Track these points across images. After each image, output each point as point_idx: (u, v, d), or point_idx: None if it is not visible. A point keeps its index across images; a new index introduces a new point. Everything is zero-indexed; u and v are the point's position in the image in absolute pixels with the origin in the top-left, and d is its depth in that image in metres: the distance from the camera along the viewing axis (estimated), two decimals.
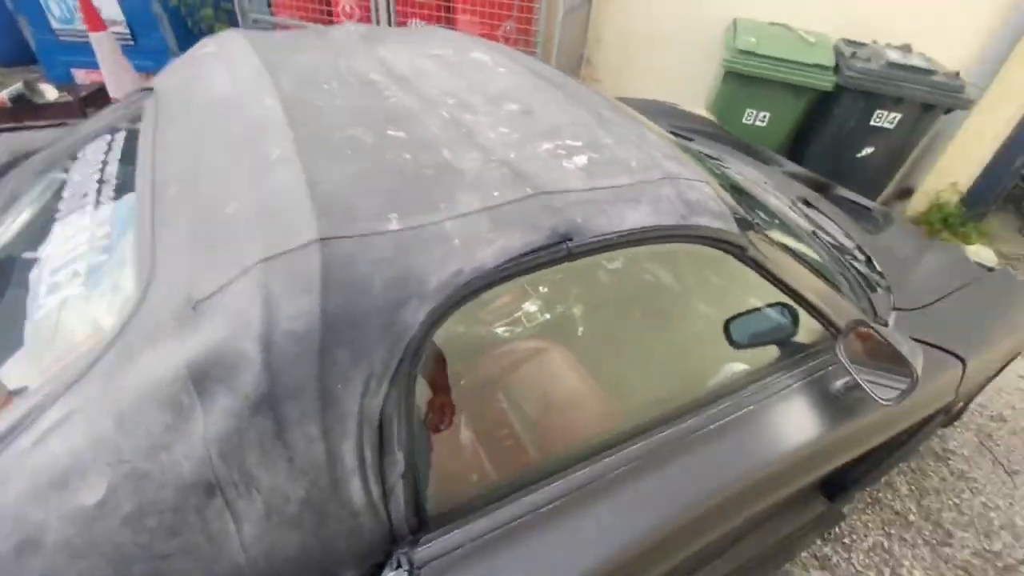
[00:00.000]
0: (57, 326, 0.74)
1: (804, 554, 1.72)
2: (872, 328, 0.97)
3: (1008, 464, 2.12)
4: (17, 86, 3.52)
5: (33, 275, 0.83)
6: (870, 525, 1.83)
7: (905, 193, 3.45)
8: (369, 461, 0.64)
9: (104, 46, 3.15)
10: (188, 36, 3.59)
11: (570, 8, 3.00)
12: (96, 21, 3.07)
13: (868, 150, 2.89)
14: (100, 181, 0.96)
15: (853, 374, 0.99)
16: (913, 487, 1.98)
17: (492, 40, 1.54)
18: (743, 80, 2.86)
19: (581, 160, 0.85)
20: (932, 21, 3.01)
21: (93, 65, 3.78)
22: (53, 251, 0.84)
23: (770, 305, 1.14)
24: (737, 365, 1.17)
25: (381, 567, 0.69)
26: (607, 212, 0.77)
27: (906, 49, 2.85)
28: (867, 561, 1.73)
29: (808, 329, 1.13)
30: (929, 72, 2.65)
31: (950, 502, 1.95)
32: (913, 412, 1.24)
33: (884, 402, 0.95)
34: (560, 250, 0.72)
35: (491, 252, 0.69)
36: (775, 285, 0.98)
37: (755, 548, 1.32)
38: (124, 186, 0.92)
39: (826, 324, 1.07)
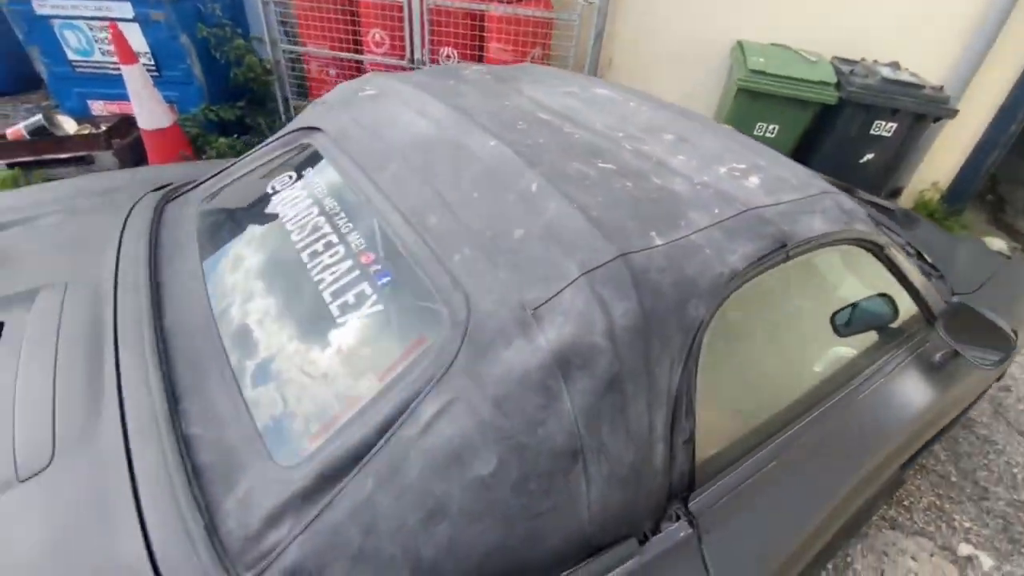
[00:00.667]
0: (364, 337, 0.87)
1: (875, 517, 1.94)
2: (972, 307, 1.19)
3: (1020, 426, 2.42)
4: (37, 118, 3.50)
5: (308, 296, 0.95)
6: (922, 488, 2.08)
7: (895, 193, 3.83)
8: (668, 430, 0.80)
9: (136, 78, 3.17)
10: (215, 67, 3.64)
11: (597, 34, 3.24)
12: (128, 54, 3.10)
13: (868, 156, 3.21)
14: (324, 215, 1.08)
15: (958, 348, 1.20)
16: (949, 453, 2.25)
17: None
18: (755, 96, 3.14)
19: (755, 180, 1.04)
20: (912, 40, 3.39)
21: (110, 96, 3.79)
22: (323, 277, 0.96)
23: (870, 297, 1.35)
24: (845, 350, 1.38)
25: (658, 521, 0.84)
26: (800, 221, 0.96)
27: (895, 66, 3.21)
28: (926, 518, 1.97)
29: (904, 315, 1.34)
30: (919, 86, 3.00)
31: (981, 463, 2.22)
32: (985, 380, 1.48)
33: (988, 367, 1.17)
34: (781, 253, 0.91)
35: (738, 257, 0.86)
36: (896, 276, 1.19)
37: (849, 514, 1.53)
38: (356, 219, 1.04)
39: (924, 308, 1.29)
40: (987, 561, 1.86)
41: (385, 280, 0.92)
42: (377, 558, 0.67)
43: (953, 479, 2.14)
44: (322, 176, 1.18)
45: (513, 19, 3.24)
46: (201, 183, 1.44)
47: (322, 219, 1.08)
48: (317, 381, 0.85)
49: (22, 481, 0.76)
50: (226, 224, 1.24)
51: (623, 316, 0.75)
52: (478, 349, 0.75)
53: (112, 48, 3.42)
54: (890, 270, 1.18)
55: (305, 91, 3.87)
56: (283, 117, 3.89)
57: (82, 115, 3.73)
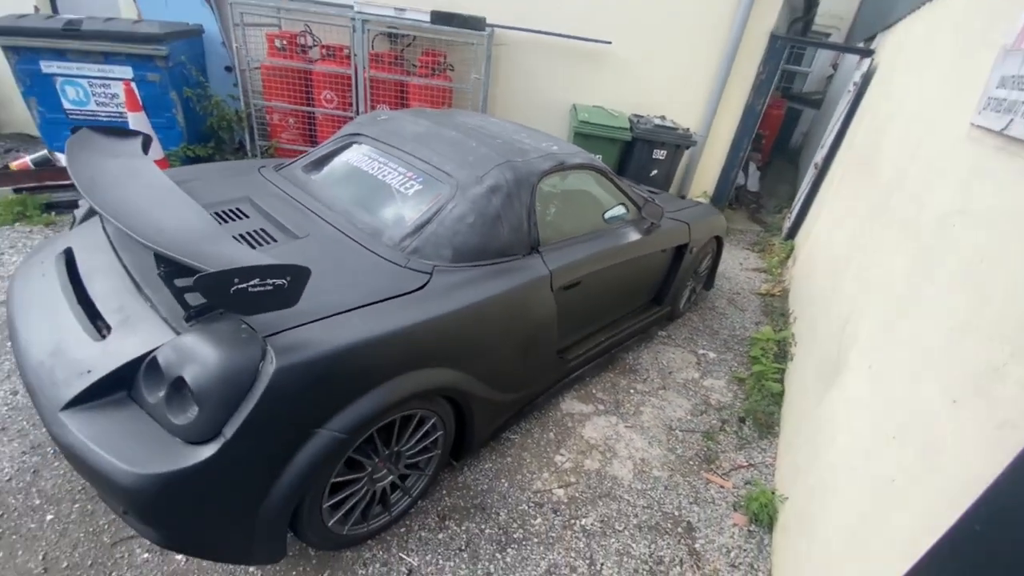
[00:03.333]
0: (418, 197, 2.24)
1: (656, 336, 3.58)
2: (661, 207, 2.87)
3: (738, 305, 4.28)
4: (43, 153, 4.36)
5: (385, 183, 2.30)
6: (681, 331, 3.77)
7: (681, 197, 5.91)
8: (528, 221, 2.27)
9: (139, 121, 4.17)
10: (192, 115, 4.72)
11: (484, 97, 4.94)
12: (135, 104, 4.11)
13: (655, 171, 5.19)
14: (377, 160, 2.44)
15: (645, 216, 2.87)
16: (700, 317, 4.01)
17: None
18: (585, 136, 4.99)
19: (554, 146, 2.61)
20: (674, 102, 5.55)
21: None
22: (391, 180, 2.31)
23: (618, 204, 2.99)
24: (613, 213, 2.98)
25: (533, 249, 2.29)
26: (568, 158, 2.53)
27: (663, 117, 5.29)
28: (683, 341, 3.64)
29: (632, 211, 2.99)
30: (675, 128, 5.06)
31: (716, 321, 4.00)
32: (675, 237, 3.18)
33: (656, 223, 2.84)
34: (560, 164, 2.46)
35: (547, 166, 2.39)
36: (624, 193, 2.84)
37: (619, 334, 3.10)
38: (395, 161, 2.42)
39: (637, 207, 2.94)
40: (712, 355, 3.55)
41: (419, 179, 2.30)
42: (451, 238, 2.03)
43: (700, 328, 3.88)
44: (371, 148, 2.55)
45: (427, 87, 4.83)
46: (295, 161, 2.69)
47: (377, 163, 2.44)
48: (407, 206, 2.20)
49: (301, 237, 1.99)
50: (323, 169, 2.54)
51: (507, 178, 2.21)
52: (463, 190, 2.16)
53: (106, 99, 4.42)
54: (618, 188, 2.82)
55: (267, 134, 5.06)
56: (249, 153, 5.01)
57: None
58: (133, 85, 4.13)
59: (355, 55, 4.66)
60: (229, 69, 5.16)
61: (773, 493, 2.32)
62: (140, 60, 4.25)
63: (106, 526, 1.93)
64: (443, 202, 2.12)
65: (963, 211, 1.63)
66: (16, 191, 4.08)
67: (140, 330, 1.55)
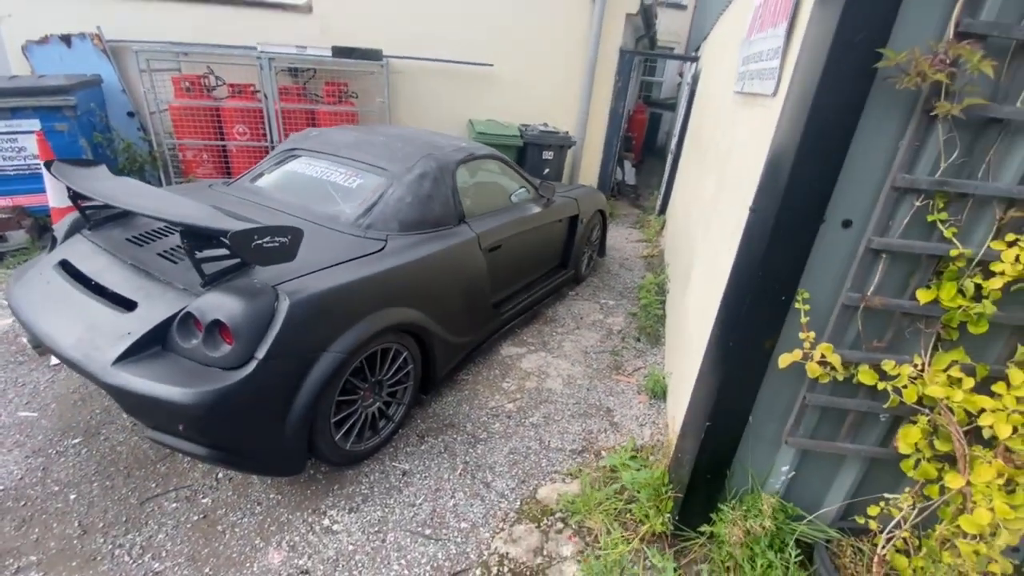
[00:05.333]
0: (360, 186, 2.78)
1: (566, 294, 4.34)
2: (554, 186, 3.64)
3: (627, 268, 5.21)
4: None
5: (329, 181, 2.82)
6: (587, 289, 4.58)
7: None
8: (453, 195, 2.90)
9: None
10: (103, 158, 4.83)
11: (389, 118, 5.53)
12: (48, 153, 4.19)
13: (546, 169, 6.07)
14: (318, 166, 2.95)
15: (542, 194, 3.63)
16: (602, 279, 4.85)
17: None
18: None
19: (462, 143, 3.29)
20: (555, 111, 6.51)
21: (4, 193, 4.59)
22: (333, 179, 2.83)
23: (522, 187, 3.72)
24: (516, 197, 3.70)
25: (460, 221, 2.92)
26: (476, 150, 3.22)
27: (546, 124, 6.21)
28: (589, 295, 4.44)
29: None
30: (557, 132, 5.99)
31: (615, 280, 4.87)
32: (568, 210, 3.99)
33: (551, 198, 3.62)
34: (470, 156, 3.13)
35: (460, 157, 3.04)
36: (521, 176, 3.58)
37: (538, 292, 3.84)
38: (333, 164, 2.94)
39: (534, 188, 3.70)
40: (611, 303, 4.37)
41: (359, 175, 2.85)
42: (395, 214, 2.60)
43: (600, 286, 4.71)
44: (310, 158, 3.05)
45: (335, 113, 5.34)
46: (240, 177, 3.11)
47: (319, 168, 2.96)
48: (353, 196, 2.72)
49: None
50: (270, 179, 2.99)
51: (432, 166, 2.82)
52: (398, 178, 2.74)
53: (12, 153, 4.45)
54: (518, 174, 3.56)
55: (181, 171, 5.25)
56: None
57: None
58: (44, 136, 4.22)
59: (263, 90, 5.06)
60: (132, 114, 5.30)
61: (662, 376, 3.12)
62: (48, 111, 4.35)
63: (129, 493, 2.24)
64: (384, 189, 2.70)
65: (731, 145, 2.53)
66: None
67: (164, 299, 1.98)
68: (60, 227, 2.53)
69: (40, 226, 4.50)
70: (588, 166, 6.96)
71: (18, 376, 2.88)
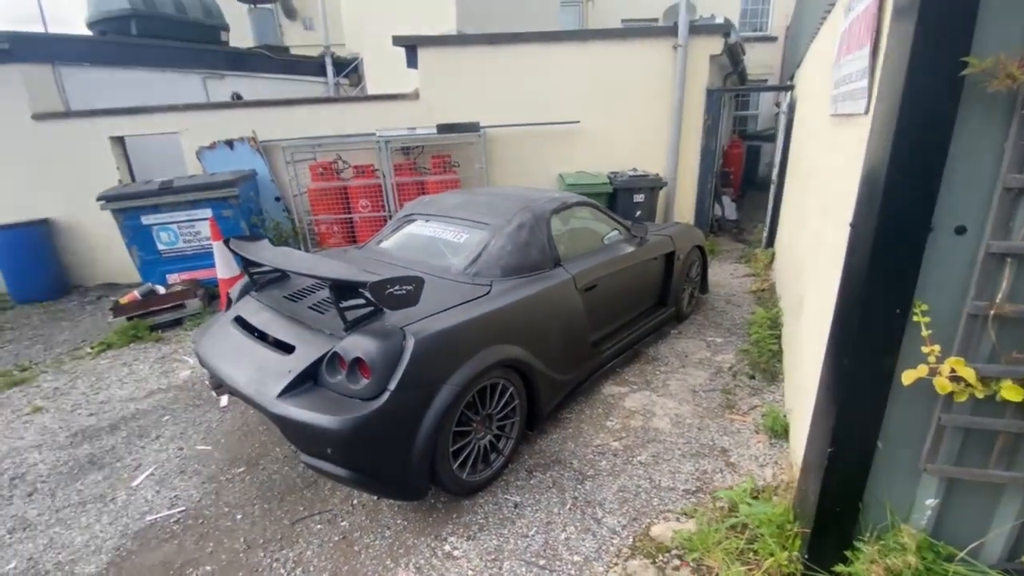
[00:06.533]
0: (468, 241, 3.10)
1: (668, 333, 4.27)
2: (647, 225, 3.74)
3: (734, 304, 5.00)
4: (147, 286, 5.34)
5: (441, 238, 3.18)
6: (692, 327, 4.48)
7: None
8: (549, 243, 3.11)
9: (220, 248, 5.19)
10: (258, 234, 5.79)
11: (488, 180, 6.04)
12: (217, 234, 5.17)
13: (638, 212, 6.15)
14: (432, 226, 3.34)
15: (634, 233, 3.72)
16: (707, 315, 4.72)
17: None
18: None
19: (556, 195, 3.53)
20: (643, 157, 6.65)
21: (183, 269, 5.69)
22: (444, 236, 3.19)
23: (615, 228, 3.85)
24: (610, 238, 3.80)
25: (555, 264, 3.10)
26: (568, 200, 3.44)
27: (635, 169, 6.35)
28: (693, 333, 4.33)
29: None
30: (647, 175, 6.09)
31: (720, 317, 4.71)
32: (662, 247, 4.01)
33: (644, 237, 3.70)
34: (564, 206, 3.36)
35: (553, 207, 3.27)
36: (612, 219, 3.72)
37: (638, 330, 3.85)
38: (448, 223, 3.31)
39: (625, 229, 3.81)
40: (719, 340, 4.22)
41: (466, 231, 3.18)
42: (498, 262, 2.86)
43: (705, 323, 4.58)
44: (424, 220, 3.47)
45: (441, 181, 5.95)
46: (368, 242, 3.61)
47: (432, 228, 3.35)
48: (462, 249, 3.04)
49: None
50: (393, 241, 3.43)
51: (528, 217, 3.07)
52: (499, 231, 3.02)
53: (191, 237, 5.50)
54: (610, 217, 3.70)
55: (317, 242, 6.11)
56: None
57: (164, 285, 5.56)
58: (215, 221, 5.22)
59: (381, 168, 5.82)
60: (278, 199, 6.34)
61: (782, 414, 2.93)
62: (218, 202, 5.39)
63: (283, 515, 2.58)
64: (487, 240, 2.99)
65: (831, 167, 2.47)
66: (128, 319, 5.02)
67: (315, 343, 2.35)
68: (234, 290, 3.11)
69: (209, 295, 5.46)
70: (682, 205, 6.91)
71: (195, 417, 3.48)
